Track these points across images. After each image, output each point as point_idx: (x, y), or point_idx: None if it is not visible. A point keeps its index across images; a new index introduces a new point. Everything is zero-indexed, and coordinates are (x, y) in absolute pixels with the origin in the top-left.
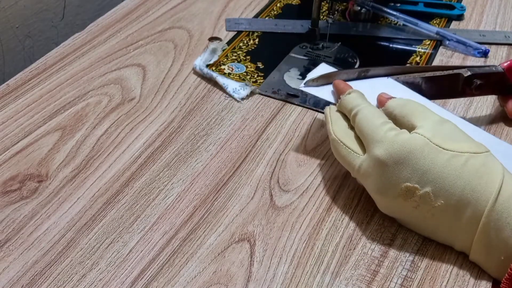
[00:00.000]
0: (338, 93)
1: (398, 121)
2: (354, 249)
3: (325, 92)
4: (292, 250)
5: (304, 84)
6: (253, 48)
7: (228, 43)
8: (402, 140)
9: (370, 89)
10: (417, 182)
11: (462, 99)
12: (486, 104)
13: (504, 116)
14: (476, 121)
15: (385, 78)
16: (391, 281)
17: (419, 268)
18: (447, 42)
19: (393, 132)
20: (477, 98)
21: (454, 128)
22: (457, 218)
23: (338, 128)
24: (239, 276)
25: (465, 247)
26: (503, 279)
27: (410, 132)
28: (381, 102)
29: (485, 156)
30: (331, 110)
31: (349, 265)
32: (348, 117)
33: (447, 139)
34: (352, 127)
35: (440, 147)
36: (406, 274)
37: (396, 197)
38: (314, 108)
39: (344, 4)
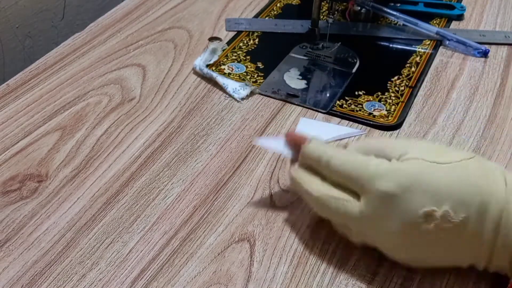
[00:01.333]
0: (296, 145)
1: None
2: (355, 249)
3: (277, 145)
4: (292, 250)
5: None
6: (253, 48)
7: (228, 43)
8: (401, 168)
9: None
10: (433, 203)
11: (462, 99)
12: (486, 104)
13: (502, 117)
14: (476, 122)
15: (302, 119)
16: (391, 281)
17: (419, 268)
18: (447, 42)
19: (385, 163)
20: (476, 100)
21: (430, 143)
22: (480, 227)
23: (316, 186)
24: (239, 276)
25: (487, 260)
26: None
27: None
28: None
29: (476, 159)
30: (297, 172)
31: (349, 265)
32: (315, 167)
33: (436, 154)
34: (324, 178)
35: (437, 162)
36: (406, 274)
37: (419, 226)
38: (314, 108)
39: (344, 4)
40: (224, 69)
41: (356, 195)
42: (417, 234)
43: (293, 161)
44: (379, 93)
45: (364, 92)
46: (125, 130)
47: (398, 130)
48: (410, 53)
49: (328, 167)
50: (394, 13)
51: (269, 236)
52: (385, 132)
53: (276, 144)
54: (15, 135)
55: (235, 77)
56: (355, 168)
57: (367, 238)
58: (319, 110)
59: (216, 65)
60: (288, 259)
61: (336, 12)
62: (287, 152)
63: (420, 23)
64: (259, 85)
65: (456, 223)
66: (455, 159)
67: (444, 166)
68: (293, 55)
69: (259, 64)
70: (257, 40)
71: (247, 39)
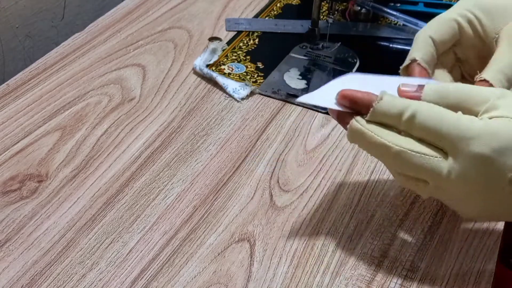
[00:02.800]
0: (359, 104)
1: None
2: (354, 249)
3: (325, 99)
4: (292, 250)
5: None
6: (253, 48)
7: (228, 43)
8: (496, 129)
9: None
10: None
11: None
12: None
13: None
14: None
15: (350, 75)
16: (391, 281)
17: (419, 268)
18: None
19: (478, 122)
20: None
21: None
22: None
23: (394, 138)
24: (239, 276)
25: None
26: None
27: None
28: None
29: None
30: (362, 123)
31: (349, 265)
32: (391, 124)
33: None
34: (404, 133)
35: None
36: (406, 274)
37: (503, 189)
38: (314, 108)
39: (344, 4)
40: (224, 69)
41: (442, 152)
42: (502, 196)
43: (342, 116)
44: None
45: None
46: (125, 130)
47: None
48: None
49: (411, 122)
50: (394, 13)
51: (269, 236)
52: None
53: (323, 97)
54: (15, 135)
55: (235, 77)
56: (444, 124)
57: (443, 195)
58: (319, 110)
59: (216, 65)
60: (288, 259)
61: (336, 12)
62: (335, 106)
63: (420, 23)
64: (259, 85)
65: None
66: None
67: None
68: (293, 55)
69: (259, 64)
70: (257, 40)
71: (247, 39)
